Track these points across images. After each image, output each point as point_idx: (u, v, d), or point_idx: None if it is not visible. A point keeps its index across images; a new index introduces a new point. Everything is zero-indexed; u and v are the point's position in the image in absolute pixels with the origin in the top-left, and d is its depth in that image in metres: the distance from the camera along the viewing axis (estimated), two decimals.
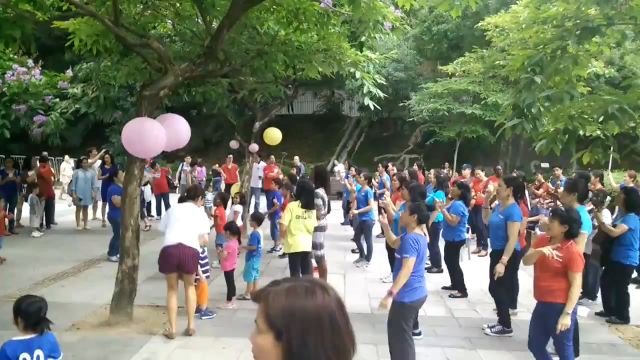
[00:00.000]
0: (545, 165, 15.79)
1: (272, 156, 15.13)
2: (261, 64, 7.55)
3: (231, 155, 14.36)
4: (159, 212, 12.74)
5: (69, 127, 23.85)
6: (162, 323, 5.44)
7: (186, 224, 5.16)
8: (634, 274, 6.70)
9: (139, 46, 5.36)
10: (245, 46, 7.52)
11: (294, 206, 5.65)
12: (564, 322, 3.99)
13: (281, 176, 11.89)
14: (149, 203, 13.17)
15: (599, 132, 6.04)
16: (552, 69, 5.16)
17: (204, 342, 4.98)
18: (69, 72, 14.25)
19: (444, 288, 6.91)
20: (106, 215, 10.57)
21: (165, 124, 5.01)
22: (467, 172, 10.83)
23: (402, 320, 4.11)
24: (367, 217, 8.56)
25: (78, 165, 12.09)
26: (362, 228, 8.56)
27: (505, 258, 5.20)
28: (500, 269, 5.19)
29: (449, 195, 7.45)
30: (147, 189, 12.44)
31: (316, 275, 6.27)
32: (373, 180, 10.47)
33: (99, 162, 12.30)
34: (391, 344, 4.21)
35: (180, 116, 5.39)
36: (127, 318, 5.44)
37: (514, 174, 9.34)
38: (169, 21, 8.03)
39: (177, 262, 5.08)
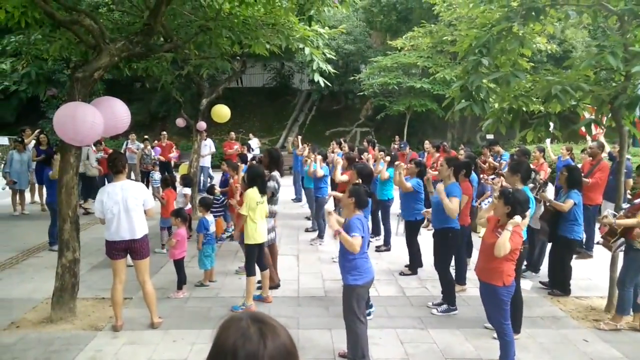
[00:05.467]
0: (490, 137, 16.26)
1: (232, 133, 14.80)
2: (205, 39, 7.19)
3: (164, 132, 14.03)
4: None
5: (1, 103, 22.34)
6: (108, 317, 5.22)
7: (130, 208, 4.71)
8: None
9: (70, 23, 4.93)
10: (188, 18, 7.13)
11: (254, 194, 5.37)
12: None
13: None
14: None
15: (542, 110, 6.19)
16: (498, 49, 5.19)
17: (153, 336, 4.81)
18: None
19: (407, 266, 6.96)
20: (44, 200, 10.07)
21: (102, 108, 4.67)
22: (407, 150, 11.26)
23: (354, 302, 4.12)
24: (321, 194, 8.54)
25: (14, 147, 11.27)
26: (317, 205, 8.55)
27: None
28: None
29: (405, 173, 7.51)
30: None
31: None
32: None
33: (33, 142, 11.53)
34: (346, 327, 4.22)
35: (119, 99, 5.02)
36: (70, 313, 5.18)
37: (462, 153, 9.54)
38: None
39: (127, 247, 4.83)
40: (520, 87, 5.88)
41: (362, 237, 4.03)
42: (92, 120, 4.44)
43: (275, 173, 6.11)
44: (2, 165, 11.65)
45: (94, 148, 11.94)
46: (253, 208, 5.29)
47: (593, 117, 5.44)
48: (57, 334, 4.83)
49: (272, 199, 5.96)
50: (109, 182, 11.78)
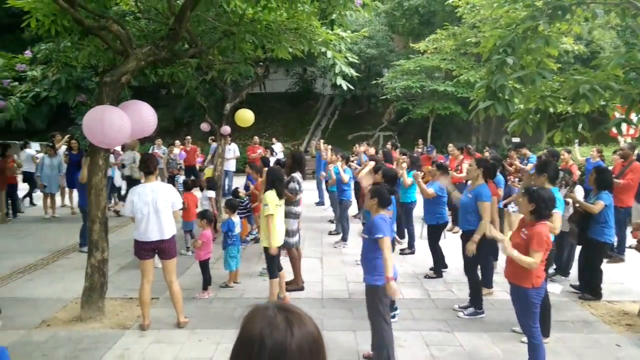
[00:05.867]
0: (516, 140, 16.00)
1: (256, 137, 14.94)
2: (229, 44, 7.30)
3: (189, 137, 14.22)
4: None
5: (32, 109, 23.00)
6: (135, 316, 5.31)
7: (159, 209, 4.79)
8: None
9: (98, 29, 5.06)
10: (212, 24, 7.25)
11: (273, 195, 5.41)
12: (469, 247, 4.91)
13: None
14: (119, 188, 12.86)
15: (569, 110, 6.07)
16: (523, 49, 5.11)
17: (179, 336, 4.87)
18: (28, 54, 13.58)
19: (428, 275, 6.90)
20: (76, 203, 10.35)
21: (129, 112, 4.77)
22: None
23: (378, 302, 4.10)
24: (345, 197, 8.53)
25: (45, 152, 11.62)
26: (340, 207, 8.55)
27: (476, 236, 5.24)
28: (471, 247, 5.24)
29: (425, 176, 7.47)
30: (117, 174, 12.12)
31: (286, 260, 6.19)
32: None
33: (64, 147, 11.85)
34: (372, 328, 4.20)
35: (146, 102, 5.13)
36: (99, 313, 5.29)
37: (487, 155, 9.40)
38: None
39: (155, 247, 4.91)
40: (546, 87, 5.78)
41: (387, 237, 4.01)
42: (120, 123, 4.55)
43: (297, 174, 6.14)
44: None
45: (121, 152, 12.24)
46: (276, 210, 5.32)
47: (623, 116, 5.29)
48: (86, 333, 4.94)
49: (295, 200, 5.97)
50: (135, 185, 12.22)
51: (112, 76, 4.88)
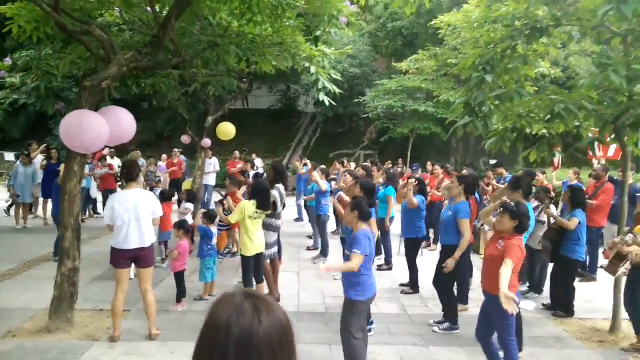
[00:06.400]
0: (493, 161, 16.30)
1: (236, 151, 14.88)
2: (213, 55, 7.31)
3: (176, 149, 14.06)
4: None
5: (9, 119, 22.58)
6: (105, 328, 5.17)
7: (140, 216, 4.72)
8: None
9: (80, 33, 5.03)
10: (197, 37, 7.26)
11: (248, 205, 5.42)
12: (449, 264, 5.10)
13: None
14: (95, 200, 12.64)
15: (544, 131, 6.21)
16: (501, 68, 5.24)
17: (150, 347, 4.75)
18: (8, 61, 13.37)
19: (402, 285, 6.93)
20: (49, 213, 10.17)
21: (108, 117, 4.72)
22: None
23: (354, 317, 4.08)
24: (322, 211, 8.51)
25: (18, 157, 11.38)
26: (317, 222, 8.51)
27: (458, 253, 5.27)
28: (450, 264, 5.27)
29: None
30: (93, 185, 11.93)
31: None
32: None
33: (40, 157, 11.63)
34: (343, 342, 4.17)
35: (124, 108, 5.08)
36: (67, 323, 5.13)
37: (464, 172, 9.53)
38: (117, 9, 7.62)
39: (134, 255, 4.82)
40: (523, 107, 5.92)
41: (365, 255, 4.00)
42: (97, 128, 4.49)
43: (279, 185, 6.13)
44: (7, 178, 11.70)
45: (98, 163, 12.05)
46: (246, 220, 5.32)
47: (597, 136, 5.43)
48: (53, 343, 4.78)
49: (275, 213, 5.94)
50: (106, 197, 12.05)
51: (92, 80, 4.83)
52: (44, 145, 12.25)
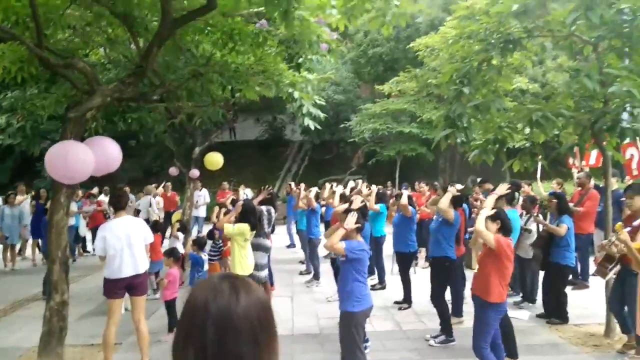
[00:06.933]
0: (479, 179, 16.51)
1: (225, 182, 14.87)
2: (197, 85, 7.40)
3: (169, 183, 14.03)
4: None
5: None
6: None
7: (132, 243, 4.72)
8: (569, 277, 6.99)
9: (63, 67, 5.09)
10: (182, 71, 7.37)
11: (245, 228, 5.36)
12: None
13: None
14: (84, 238, 12.51)
15: (526, 142, 6.34)
16: (478, 80, 5.38)
17: None
18: None
19: (396, 302, 6.89)
20: (40, 249, 10.39)
21: (93, 147, 4.74)
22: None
23: (353, 329, 4.06)
24: (314, 234, 8.50)
25: (5, 201, 11.30)
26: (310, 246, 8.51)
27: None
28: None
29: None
30: (82, 223, 11.83)
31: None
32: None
33: (29, 199, 11.58)
34: (344, 358, 4.12)
35: (110, 138, 5.12)
36: (57, 359, 5.01)
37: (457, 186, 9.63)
38: (101, 48, 7.76)
39: (128, 284, 4.78)
40: (502, 118, 6.05)
41: (361, 259, 4.02)
42: (83, 157, 4.50)
43: (269, 207, 6.15)
44: None
45: (87, 201, 12.00)
46: (242, 242, 5.29)
47: (576, 142, 5.54)
48: None
49: (263, 231, 5.91)
50: (95, 235, 11.94)
51: (76, 112, 4.86)
52: (33, 193, 12.21)
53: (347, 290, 4.09)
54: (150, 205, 11.55)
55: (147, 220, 10.66)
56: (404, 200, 6.67)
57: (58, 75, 6.07)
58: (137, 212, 11.33)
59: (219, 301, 1.03)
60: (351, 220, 4.05)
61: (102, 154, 4.80)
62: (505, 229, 4.02)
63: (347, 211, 4.23)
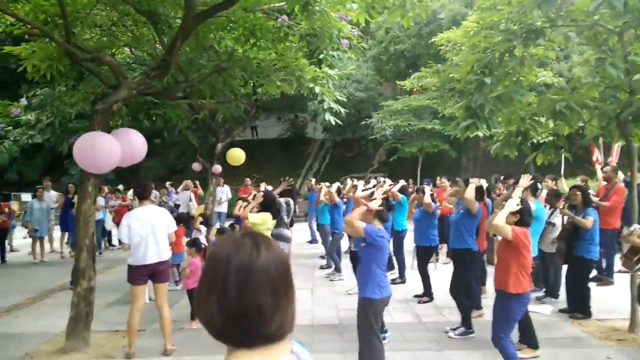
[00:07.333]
0: (504, 176, 16.27)
1: (248, 179, 15.03)
2: (219, 81, 7.52)
3: (196, 181, 14.32)
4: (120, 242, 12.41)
5: (25, 161, 23.15)
6: (121, 347, 5.20)
7: (157, 231, 4.88)
8: (594, 272, 6.87)
9: (90, 60, 5.25)
10: (205, 67, 7.50)
11: (269, 218, 5.47)
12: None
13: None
14: (110, 232, 12.79)
15: (550, 136, 6.24)
16: (500, 71, 5.33)
17: None
18: (23, 101, 13.83)
19: (416, 296, 6.88)
20: (68, 241, 10.93)
21: (120, 138, 4.88)
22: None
23: (372, 316, 4.08)
24: (337, 229, 8.53)
25: (34, 196, 11.67)
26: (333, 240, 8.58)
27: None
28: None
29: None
30: (109, 217, 12.10)
31: None
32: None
33: (54, 193, 11.94)
34: (361, 345, 4.14)
35: (135, 130, 5.26)
36: (84, 343, 5.18)
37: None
38: (127, 48, 7.95)
39: (152, 271, 4.94)
40: (525, 111, 5.97)
41: (382, 247, 4.04)
42: (109, 147, 4.64)
43: (290, 200, 6.23)
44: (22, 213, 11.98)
45: (112, 196, 12.31)
46: (264, 231, 5.37)
47: (601, 132, 5.43)
48: None
49: (283, 222, 5.99)
50: None
51: (103, 104, 5.02)
52: (60, 194, 12.57)
53: (367, 277, 4.11)
54: (190, 200, 12.35)
55: (188, 214, 11.04)
56: (427, 198, 6.65)
57: (86, 70, 6.26)
58: (176, 207, 11.78)
59: (241, 254, 1.10)
60: (376, 202, 4.09)
61: (128, 144, 4.94)
62: (523, 221, 3.99)
63: (371, 196, 4.27)
